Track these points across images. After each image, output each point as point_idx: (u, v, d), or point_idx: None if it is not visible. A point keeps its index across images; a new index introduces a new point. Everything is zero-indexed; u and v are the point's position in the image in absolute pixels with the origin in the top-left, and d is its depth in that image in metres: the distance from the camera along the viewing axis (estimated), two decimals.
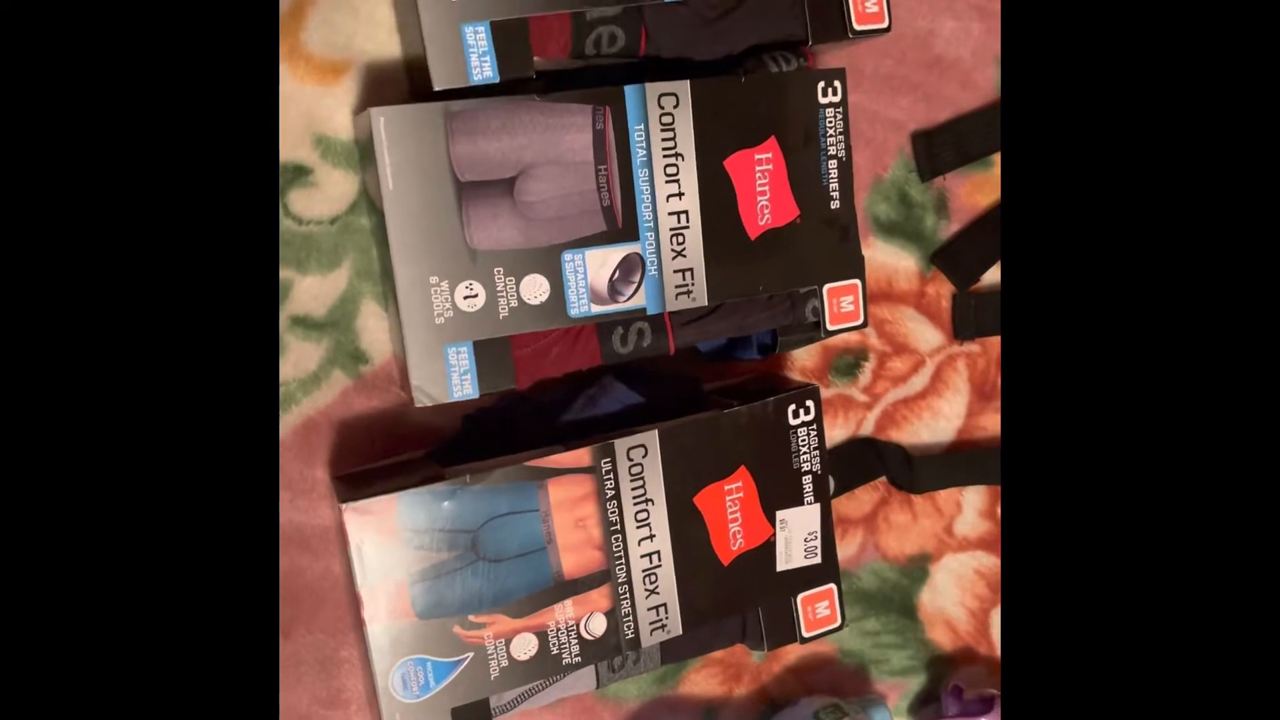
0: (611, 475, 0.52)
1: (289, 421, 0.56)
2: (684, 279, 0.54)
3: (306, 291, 0.56)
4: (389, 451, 0.57)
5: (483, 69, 0.50)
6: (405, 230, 0.50)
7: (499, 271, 0.51)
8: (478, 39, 0.50)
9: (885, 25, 0.57)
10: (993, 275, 0.65)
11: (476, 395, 0.51)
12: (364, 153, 0.53)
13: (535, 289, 0.51)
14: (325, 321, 0.56)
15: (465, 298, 0.51)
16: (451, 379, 0.51)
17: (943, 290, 0.65)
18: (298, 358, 0.56)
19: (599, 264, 0.52)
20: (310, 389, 0.56)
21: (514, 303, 0.51)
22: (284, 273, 0.55)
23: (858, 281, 0.58)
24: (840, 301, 0.57)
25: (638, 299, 0.53)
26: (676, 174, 0.53)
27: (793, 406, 0.56)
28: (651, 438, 0.53)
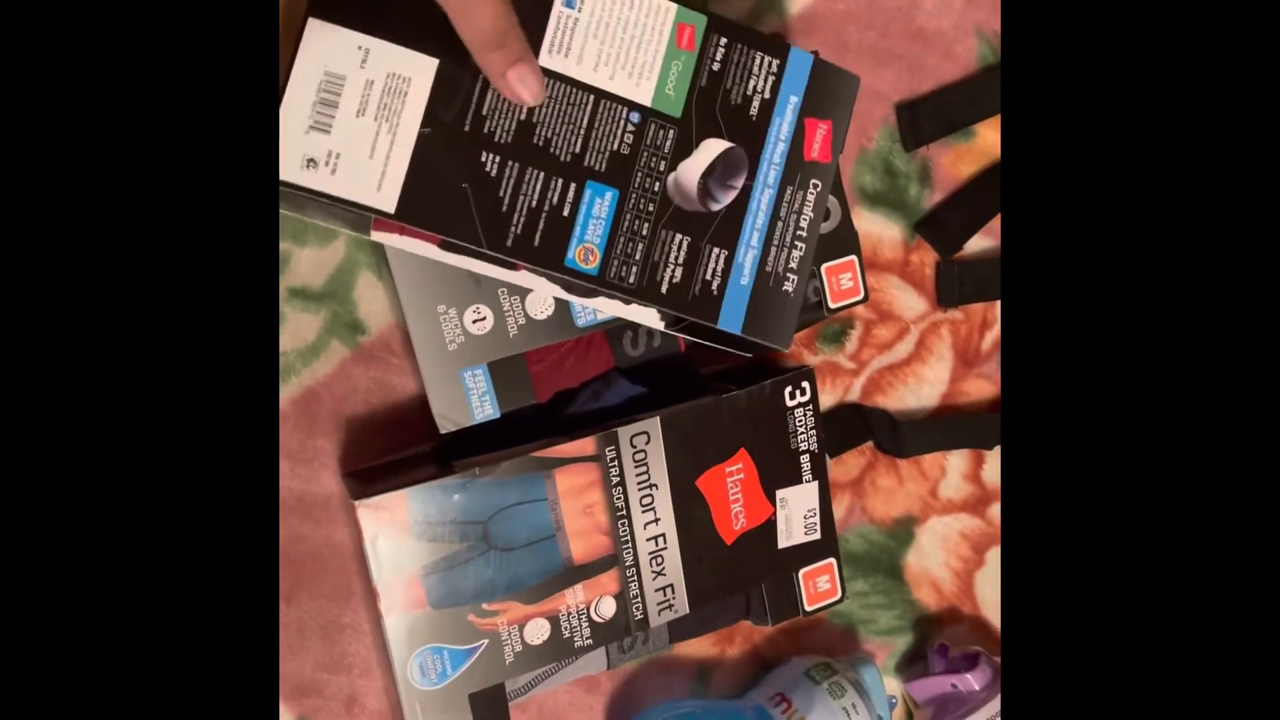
0: (616, 462, 0.53)
1: (289, 392, 0.57)
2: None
3: (304, 263, 0.56)
4: (388, 421, 0.58)
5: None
6: (408, 264, 0.51)
7: (503, 292, 0.52)
8: None
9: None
10: (975, 243, 0.66)
11: (498, 415, 0.53)
12: None
13: (540, 304, 0.52)
14: (323, 292, 0.57)
15: (474, 321, 0.52)
16: (471, 402, 0.52)
17: (926, 258, 0.66)
18: (296, 328, 0.57)
19: None
20: (309, 359, 0.57)
21: (521, 320, 0.52)
22: (282, 245, 0.56)
23: (854, 258, 0.59)
24: (839, 279, 0.59)
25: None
26: None
27: (789, 388, 0.57)
28: (653, 424, 0.54)
